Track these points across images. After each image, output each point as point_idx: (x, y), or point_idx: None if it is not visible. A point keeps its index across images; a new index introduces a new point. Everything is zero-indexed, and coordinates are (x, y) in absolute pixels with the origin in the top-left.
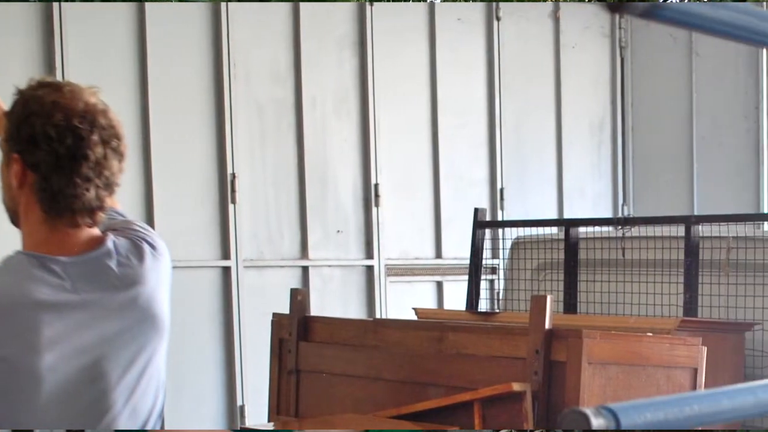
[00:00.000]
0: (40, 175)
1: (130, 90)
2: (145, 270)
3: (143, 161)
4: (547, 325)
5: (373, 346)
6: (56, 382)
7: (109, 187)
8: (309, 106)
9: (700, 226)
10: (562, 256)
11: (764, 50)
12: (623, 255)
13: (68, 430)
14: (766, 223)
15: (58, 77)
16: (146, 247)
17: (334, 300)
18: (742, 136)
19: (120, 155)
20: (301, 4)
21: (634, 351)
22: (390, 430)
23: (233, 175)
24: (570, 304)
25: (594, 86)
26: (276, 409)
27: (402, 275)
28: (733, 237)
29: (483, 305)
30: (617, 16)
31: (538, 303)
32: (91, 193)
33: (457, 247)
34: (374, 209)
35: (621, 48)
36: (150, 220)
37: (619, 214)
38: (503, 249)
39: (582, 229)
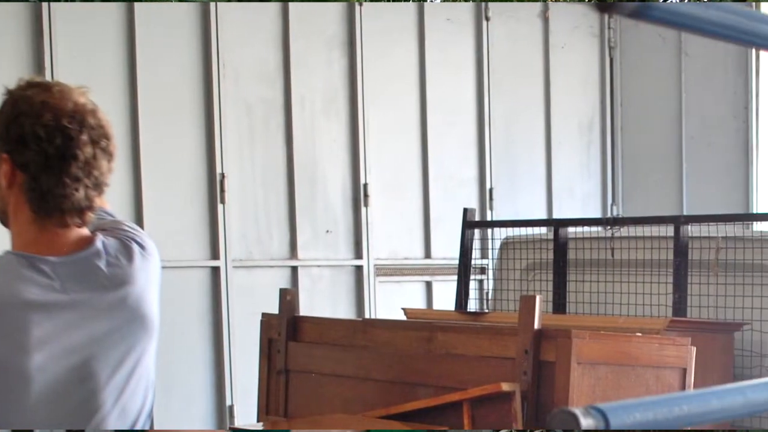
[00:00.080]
0: (29, 175)
1: (119, 90)
2: (135, 270)
3: (132, 161)
4: (536, 325)
5: (362, 346)
6: (45, 382)
7: (99, 187)
8: (298, 106)
9: (689, 226)
10: (551, 256)
11: (753, 50)
12: (612, 255)
13: (57, 430)
14: (755, 223)
15: (48, 77)
16: (135, 247)
17: (324, 300)
18: (732, 135)
19: (109, 155)
20: (290, 4)
21: (623, 351)
22: (379, 430)
23: (222, 175)
24: (559, 304)
25: (583, 86)
26: (265, 409)
27: (391, 275)
28: (722, 237)
29: (472, 305)
30: (606, 16)
31: (528, 303)
32: (81, 193)
33: (447, 247)
34: (363, 209)
35: (610, 48)
36: (139, 220)
37: (609, 214)
38: (492, 249)
39: (571, 229)
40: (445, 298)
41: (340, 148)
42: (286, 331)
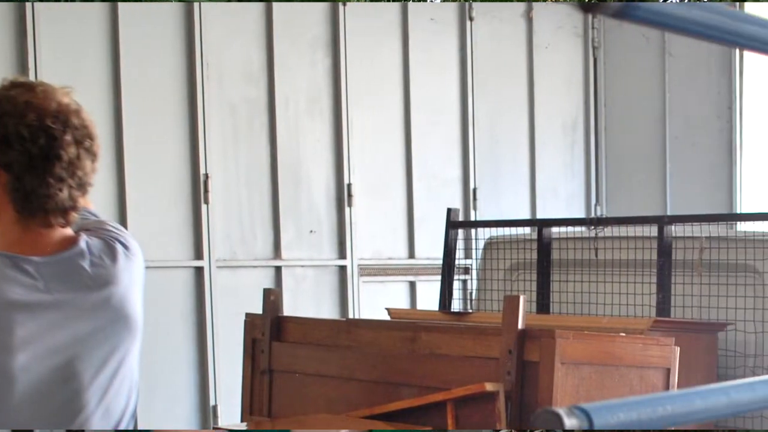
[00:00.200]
0: (12, 175)
1: (103, 90)
2: (118, 270)
3: (116, 161)
4: (520, 325)
5: (346, 346)
6: (29, 382)
7: (82, 187)
8: (282, 106)
9: (673, 226)
10: (535, 256)
11: (737, 50)
12: (596, 255)
13: (41, 430)
14: (738, 223)
15: (31, 77)
16: (119, 247)
17: (307, 300)
18: (715, 136)
19: (93, 155)
20: (274, 4)
21: (607, 351)
22: (363, 430)
23: (206, 176)
24: (543, 304)
25: (567, 86)
26: (249, 409)
27: (375, 275)
28: (706, 237)
29: (456, 305)
30: (590, 16)
31: (511, 303)
32: (64, 193)
33: (430, 247)
34: (347, 209)
35: (594, 48)
36: (123, 220)
37: (592, 214)
38: (476, 249)
39: (555, 229)
40: (428, 298)
41: (323, 148)
42: (269, 331)
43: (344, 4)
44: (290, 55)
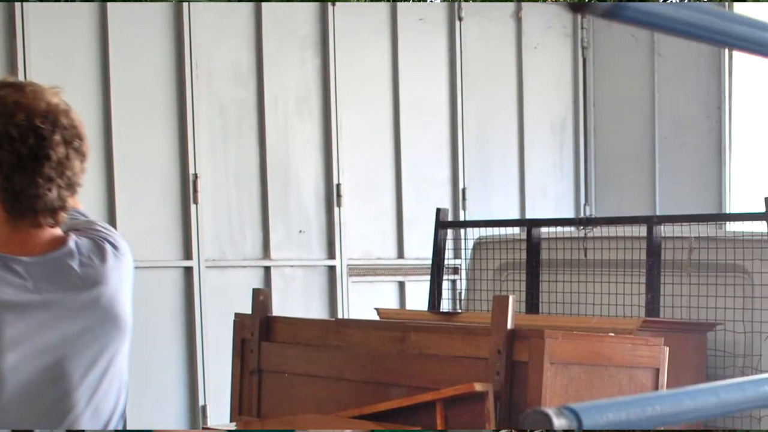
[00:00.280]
0: (2, 175)
1: (93, 90)
2: (107, 270)
3: (105, 161)
4: (509, 326)
5: (335, 346)
6: (18, 382)
7: (71, 187)
8: (271, 106)
9: (662, 227)
10: (524, 256)
11: (726, 50)
12: (585, 255)
13: (30, 430)
14: (728, 223)
15: (21, 77)
16: (108, 247)
17: (296, 300)
18: (705, 136)
19: (82, 155)
20: (263, 4)
21: (596, 351)
22: (352, 430)
23: (195, 176)
24: (532, 305)
25: (556, 86)
26: (238, 409)
27: (364, 275)
28: (695, 237)
29: (445, 305)
30: (579, 17)
31: (500, 303)
32: (53, 194)
33: (419, 248)
34: (336, 209)
35: (583, 48)
36: (112, 221)
37: (581, 215)
38: (465, 249)
39: (544, 230)
40: (418, 298)
41: (313, 148)
42: (259, 331)
43: (333, 4)
44: (279, 55)
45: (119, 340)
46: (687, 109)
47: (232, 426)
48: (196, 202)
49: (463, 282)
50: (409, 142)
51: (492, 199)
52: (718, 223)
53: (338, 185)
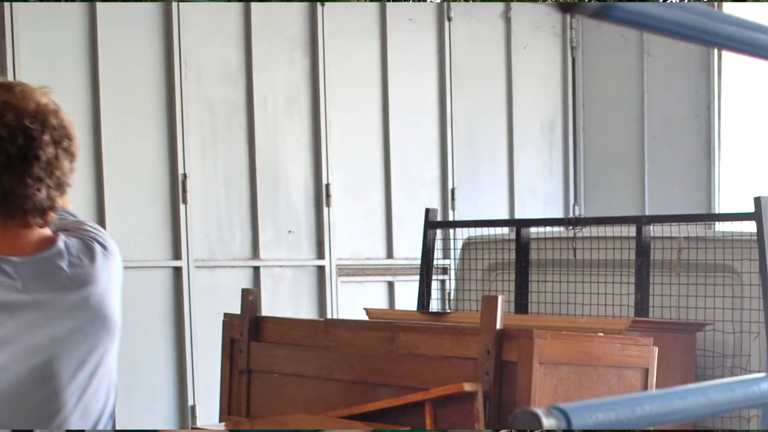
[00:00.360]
0: None
1: (82, 90)
2: (97, 270)
3: (94, 161)
4: (498, 326)
5: (324, 346)
6: (7, 383)
7: (61, 187)
8: (260, 106)
9: (651, 227)
10: (513, 256)
11: (715, 50)
12: (574, 255)
13: (19, 430)
14: (717, 223)
15: (10, 77)
16: (97, 247)
17: (286, 300)
18: (694, 136)
19: (71, 155)
20: (253, 4)
21: (585, 351)
22: (341, 430)
23: (184, 175)
24: (521, 305)
25: (545, 86)
26: (227, 409)
27: (353, 275)
28: (684, 237)
29: (434, 305)
30: (568, 17)
31: (489, 303)
32: (43, 194)
33: (409, 248)
34: (325, 209)
35: (572, 48)
36: (101, 221)
37: (571, 215)
38: (454, 249)
39: (533, 230)
40: (407, 299)
41: (302, 148)
42: (248, 331)
43: (323, 4)
44: (268, 55)
45: (108, 340)
46: (676, 109)
47: (222, 426)
48: (185, 201)
49: (453, 282)
50: (399, 142)
51: (481, 199)
52: (707, 223)
53: (327, 185)
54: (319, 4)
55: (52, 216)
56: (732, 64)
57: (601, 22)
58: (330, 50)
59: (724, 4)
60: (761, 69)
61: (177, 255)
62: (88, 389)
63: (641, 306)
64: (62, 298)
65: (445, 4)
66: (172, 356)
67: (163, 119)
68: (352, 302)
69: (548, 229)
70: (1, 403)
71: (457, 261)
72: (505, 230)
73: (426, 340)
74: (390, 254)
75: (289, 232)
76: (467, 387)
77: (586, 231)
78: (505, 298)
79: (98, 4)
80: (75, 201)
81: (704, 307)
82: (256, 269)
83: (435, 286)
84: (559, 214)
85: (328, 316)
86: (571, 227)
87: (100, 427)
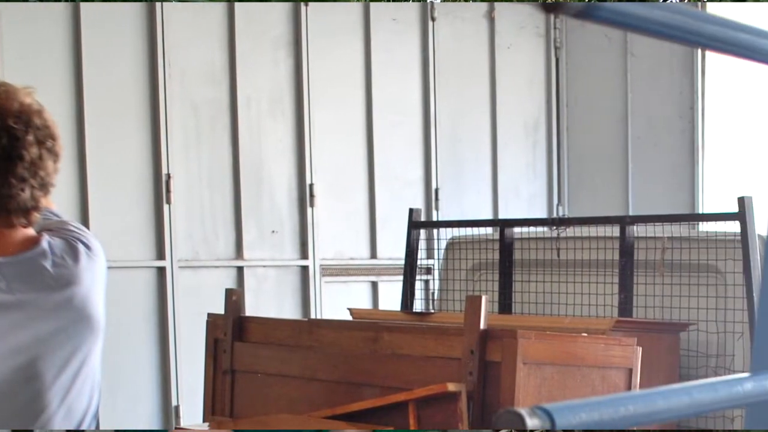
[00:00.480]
0: None
1: (65, 90)
2: (80, 270)
3: (78, 161)
4: (482, 326)
5: (308, 346)
6: None
7: (45, 187)
8: (244, 106)
9: (635, 227)
10: (497, 256)
11: (699, 50)
12: (558, 255)
13: (2, 430)
14: (700, 223)
15: None
16: (81, 247)
17: (269, 300)
18: (677, 136)
19: (55, 155)
20: (236, 4)
21: (569, 351)
22: (325, 430)
23: (168, 176)
24: (505, 305)
25: (529, 86)
26: (211, 410)
27: (337, 275)
28: (668, 237)
29: (418, 305)
30: (552, 17)
31: (473, 303)
32: (26, 194)
33: (392, 248)
34: (309, 209)
35: (556, 48)
36: (85, 221)
37: (554, 215)
38: (438, 249)
39: (517, 230)
40: (390, 299)
41: (285, 149)
42: (231, 331)
43: (306, 4)
44: (252, 55)
45: (92, 340)
46: (660, 109)
47: (205, 426)
48: (169, 202)
49: (436, 282)
50: (382, 142)
51: (465, 199)
52: (691, 223)
53: (311, 185)
54: (302, 4)
55: (36, 216)
56: (716, 65)
57: (585, 22)
58: (313, 50)
59: (708, 4)
60: (745, 69)
61: (161, 255)
62: (72, 389)
63: (625, 306)
64: (46, 298)
65: (429, 3)
66: (155, 356)
67: (147, 119)
68: (335, 302)
69: (532, 229)
70: None
71: (440, 261)
72: (489, 230)
73: (410, 341)
74: (374, 254)
75: (273, 232)
76: (451, 387)
77: (570, 231)
78: (488, 298)
79: (82, 5)
80: (59, 201)
81: (688, 307)
82: (240, 269)
83: (419, 286)
84: (542, 214)
85: (312, 316)
86: (554, 227)
87: (84, 427)
